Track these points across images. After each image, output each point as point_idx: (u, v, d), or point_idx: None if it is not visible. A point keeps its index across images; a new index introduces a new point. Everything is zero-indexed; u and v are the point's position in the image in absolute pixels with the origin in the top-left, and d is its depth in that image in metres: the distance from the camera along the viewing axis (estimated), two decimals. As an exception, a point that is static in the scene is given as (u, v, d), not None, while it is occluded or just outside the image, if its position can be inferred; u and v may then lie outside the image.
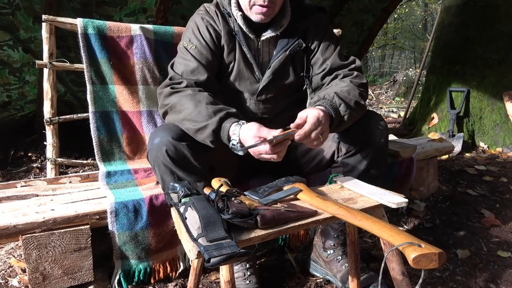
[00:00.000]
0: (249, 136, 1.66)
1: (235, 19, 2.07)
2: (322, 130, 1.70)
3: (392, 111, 8.86)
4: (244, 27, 2.06)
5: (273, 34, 2.07)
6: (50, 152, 2.74)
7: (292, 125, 1.68)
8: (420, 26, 19.63)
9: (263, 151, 1.63)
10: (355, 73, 2.07)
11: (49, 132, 2.73)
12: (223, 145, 1.79)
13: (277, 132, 1.62)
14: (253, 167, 2.29)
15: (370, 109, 2.23)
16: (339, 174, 1.96)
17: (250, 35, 2.07)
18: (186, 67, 2.01)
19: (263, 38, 2.08)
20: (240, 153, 1.71)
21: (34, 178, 3.43)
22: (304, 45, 2.12)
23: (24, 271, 2.27)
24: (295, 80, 2.16)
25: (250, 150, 1.66)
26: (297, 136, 1.65)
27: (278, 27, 2.08)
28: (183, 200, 1.46)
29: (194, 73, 1.99)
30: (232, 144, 1.73)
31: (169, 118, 1.94)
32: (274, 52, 2.11)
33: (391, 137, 3.58)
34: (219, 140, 1.78)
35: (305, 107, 2.33)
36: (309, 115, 1.69)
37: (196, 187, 1.77)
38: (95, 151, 2.58)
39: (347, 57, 2.16)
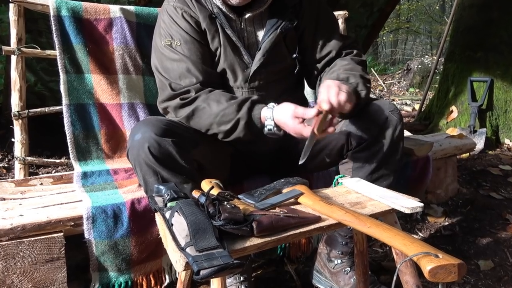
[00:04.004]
0: (286, 117, 1.81)
1: (212, 0, 2.08)
2: (347, 90, 1.82)
3: (406, 103, 8.87)
4: (223, 7, 2.06)
5: (256, 11, 2.09)
6: (18, 150, 2.73)
7: (317, 107, 1.79)
8: (437, 8, 19.68)
9: (305, 134, 1.77)
10: (355, 51, 2.18)
11: (17, 127, 2.72)
12: (258, 134, 1.94)
13: (313, 111, 1.77)
14: (248, 166, 2.29)
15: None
16: (346, 175, 1.96)
17: (231, 15, 2.08)
18: (180, 69, 2.03)
19: (245, 16, 2.09)
20: (279, 134, 1.90)
21: (0, 179, 3.42)
22: (296, 21, 2.15)
23: (-11, 285, 2.27)
24: (289, 61, 2.19)
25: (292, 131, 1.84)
26: (326, 105, 1.75)
27: (262, 4, 2.09)
28: (169, 204, 1.45)
29: (191, 73, 2.02)
30: (268, 130, 1.90)
31: (191, 124, 2.04)
32: (264, 32, 2.12)
33: (405, 133, 3.57)
34: (253, 130, 1.93)
35: (302, 93, 2.36)
36: (327, 85, 1.83)
37: (183, 189, 1.77)
38: (70, 149, 2.57)
39: (345, 36, 2.26)
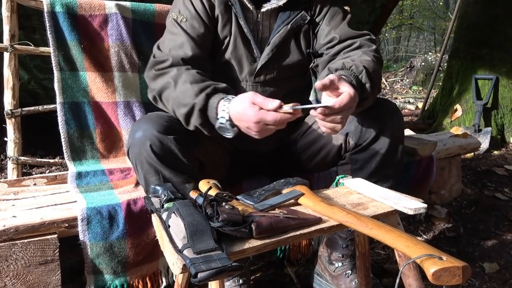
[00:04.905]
0: (244, 105, 1.64)
1: None
2: (350, 113, 1.67)
3: (409, 102, 8.88)
4: None
5: (275, 5, 2.05)
6: (11, 149, 2.72)
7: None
8: (441, 3, 19.65)
9: (270, 120, 1.59)
10: (374, 46, 2.03)
11: (10, 126, 2.72)
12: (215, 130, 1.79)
13: (274, 103, 1.58)
14: (247, 166, 2.29)
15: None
16: (347, 175, 1.96)
17: (249, 5, 2.05)
18: (174, 43, 2.00)
19: (263, 9, 2.06)
20: (229, 134, 1.73)
21: (-7, 180, 3.42)
22: (308, 17, 2.11)
23: (-19, 288, 2.26)
24: (300, 59, 2.15)
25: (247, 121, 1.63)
26: (319, 110, 1.58)
27: None
28: (165, 205, 1.45)
29: (182, 48, 1.98)
30: (220, 123, 1.73)
31: (161, 107, 1.96)
32: (275, 27, 2.09)
33: (408, 132, 3.58)
34: (209, 122, 1.78)
35: (308, 97, 2.33)
36: (344, 91, 1.61)
37: (185, 189, 1.76)
38: (64, 148, 2.57)
39: (358, 30, 2.14)
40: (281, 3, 2.05)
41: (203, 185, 1.68)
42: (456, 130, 5.04)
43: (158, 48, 2.04)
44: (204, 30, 2.04)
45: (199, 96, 1.76)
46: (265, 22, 2.10)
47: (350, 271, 2.27)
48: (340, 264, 2.30)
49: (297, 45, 2.14)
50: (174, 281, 1.83)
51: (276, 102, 1.58)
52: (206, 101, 1.75)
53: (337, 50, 2.07)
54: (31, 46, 2.74)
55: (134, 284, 2.20)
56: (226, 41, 2.09)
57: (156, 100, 1.95)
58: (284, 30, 2.07)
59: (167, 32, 2.07)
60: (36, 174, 3.62)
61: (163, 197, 1.49)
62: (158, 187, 1.58)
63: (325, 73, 1.86)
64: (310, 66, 2.17)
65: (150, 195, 1.59)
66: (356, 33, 2.09)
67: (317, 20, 2.14)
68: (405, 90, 10.86)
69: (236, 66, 2.11)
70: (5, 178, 2.91)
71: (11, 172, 2.74)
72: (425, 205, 1.53)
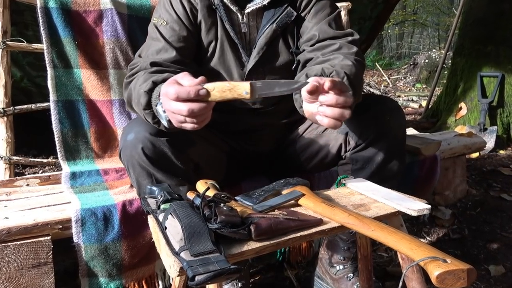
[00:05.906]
0: (166, 90, 1.47)
1: None
2: (348, 100, 1.49)
3: (412, 100, 8.88)
4: None
5: (259, 4, 2.01)
6: (3, 149, 2.72)
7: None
8: (445, -1, 19.69)
9: (170, 94, 1.43)
10: (355, 49, 1.94)
11: (2, 125, 2.71)
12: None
13: (192, 81, 1.43)
14: (245, 167, 2.28)
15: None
16: (349, 176, 1.96)
17: (232, 6, 2.01)
18: (152, 48, 1.98)
19: (248, 10, 2.02)
20: (164, 123, 1.59)
21: (-15, 180, 3.42)
22: (294, 14, 2.05)
23: (-28, 291, 2.26)
24: (290, 58, 2.10)
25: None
26: (309, 87, 1.44)
27: None
28: (162, 206, 1.45)
29: (159, 54, 1.95)
30: (156, 109, 1.61)
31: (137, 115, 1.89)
32: (261, 27, 2.05)
33: (411, 131, 3.57)
34: (158, 120, 1.66)
35: None
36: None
37: (179, 191, 1.75)
38: (58, 148, 2.57)
39: (341, 28, 2.09)
40: (265, 2, 2.00)
41: (201, 185, 1.68)
42: (461, 129, 5.04)
43: (139, 55, 2.02)
44: (186, 34, 2.00)
45: (142, 96, 1.65)
46: (252, 23, 2.06)
47: (351, 274, 2.27)
48: (341, 266, 2.30)
49: (285, 44, 2.10)
50: (171, 284, 1.83)
51: (194, 80, 1.43)
52: (148, 99, 1.64)
53: (315, 48, 2.00)
54: (23, 42, 2.74)
55: (129, 287, 2.20)
56: (211, 46, 2.05)
57: (130, 111, 1.93)
58: (270, 30, 2.03)
59: (148, 38, 2.05)
60: (29, 174, 3.63)
61: (159, 198, 1.49)
62: (154, 188, 1.57)
63: (303, 79, 1.73)
64: (294, 67, 2.11)
65: (146, 196, 1.59)
66: (337, 33, 2.02)
67: (302, 15, 2.09)
68: (408, 88, 10.87)
69: (225, 73, 2.07)
70: (-3, 179, 2.91)
71: (3, 172, 2.73)
72: (429, 206, 1.53)
